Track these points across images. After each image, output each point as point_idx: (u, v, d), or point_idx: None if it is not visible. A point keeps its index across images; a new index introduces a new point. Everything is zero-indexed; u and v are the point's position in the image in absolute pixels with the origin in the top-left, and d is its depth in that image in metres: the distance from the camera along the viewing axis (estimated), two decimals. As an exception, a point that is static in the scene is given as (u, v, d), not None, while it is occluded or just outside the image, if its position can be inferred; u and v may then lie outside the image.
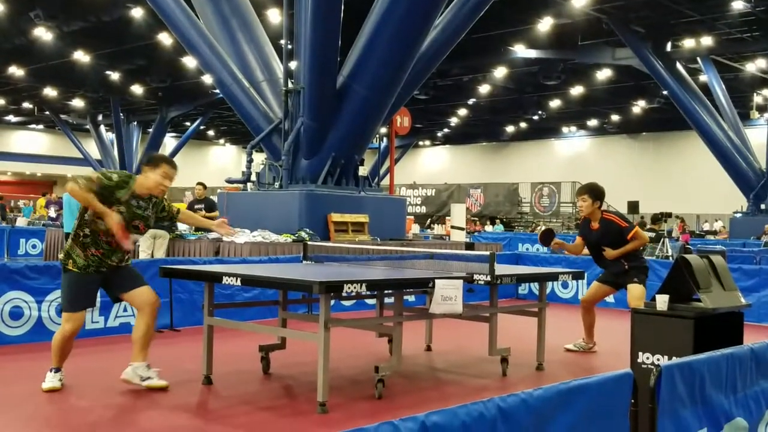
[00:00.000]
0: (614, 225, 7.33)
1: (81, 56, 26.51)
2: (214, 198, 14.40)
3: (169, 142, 42.49)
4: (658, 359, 4.26)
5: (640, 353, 4.42)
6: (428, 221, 31.23)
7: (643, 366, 4.32)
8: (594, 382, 2.56)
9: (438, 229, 24.03)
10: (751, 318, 6.85)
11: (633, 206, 32.31)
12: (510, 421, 2.22)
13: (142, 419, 4.84)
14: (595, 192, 7.38)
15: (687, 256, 4.74)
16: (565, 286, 11.97)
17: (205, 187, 14.01)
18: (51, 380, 5.34)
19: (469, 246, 13.62)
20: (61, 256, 5.44)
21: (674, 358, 3.43)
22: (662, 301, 4.51)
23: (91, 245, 5.34)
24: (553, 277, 7.22)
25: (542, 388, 2.37)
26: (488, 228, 29.66)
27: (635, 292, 7.13)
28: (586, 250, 7.67)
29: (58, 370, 5.40)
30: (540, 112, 36.82)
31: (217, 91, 22.15)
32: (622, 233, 7.23)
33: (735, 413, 3.12)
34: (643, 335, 4.47)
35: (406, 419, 1.95)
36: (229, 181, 15.91)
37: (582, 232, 7.67)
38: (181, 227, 12.26)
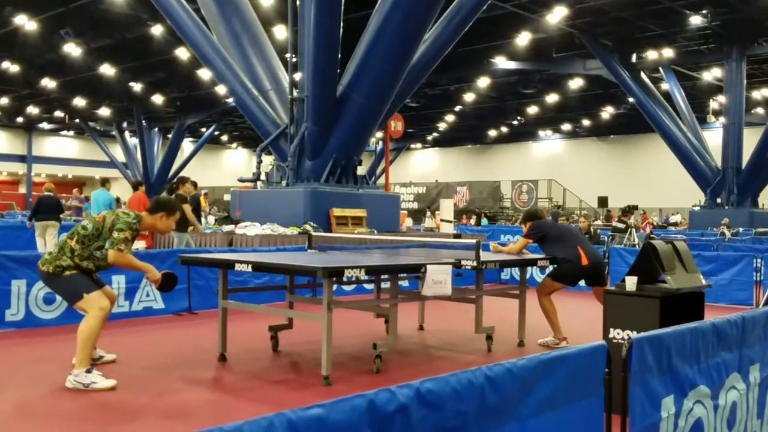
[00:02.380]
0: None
1: (107, 69, 26.38)
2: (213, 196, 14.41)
3: (187, 147, 42.34)
4: (627, 334, 4.23)
5: (612, 329, 4.39)
6: (427, 211, 30.90)
7: (614, 341, 4.29)
8: (572, 353, 2.53)
9: (428, 222, 23.98)
10: (710, 299, 6.83)
11: (602, 201, 32.35)
12: (496, 387, 2.18)
13: (164, 392, 4.80)
14: (525, 218, 7.45)
15: (653, 241, 4.71)
16: (542, 272, 11.92)
17: (195, 186, 13.38)
18: (103, 380, 4.77)
19: (457, 236, 13.60)
20: (50, 268, 4.91)
21: (642, 333, 3.41)
22: (631, 282, 4.48)
23: (88, 267, 5.04)
24: (532, 263, 7.20)
25: (525, 358, 2.33)
26: (473, 222, 29.62)
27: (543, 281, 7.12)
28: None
29: (90, 369, 4.82)
30: (519, 117, 36.81)
31: (230, 100, 22.09)
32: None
33: (699, 382, 3.09)
34: (613, 313, 4.45)
35: (402, 386, 1.91)
36: (241, 181, 15.88)
37: None
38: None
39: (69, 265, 4.94)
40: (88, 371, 4.77)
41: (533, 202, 36.84)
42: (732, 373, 3.36)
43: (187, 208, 10.98)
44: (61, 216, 13.77)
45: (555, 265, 6.93)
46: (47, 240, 13.17)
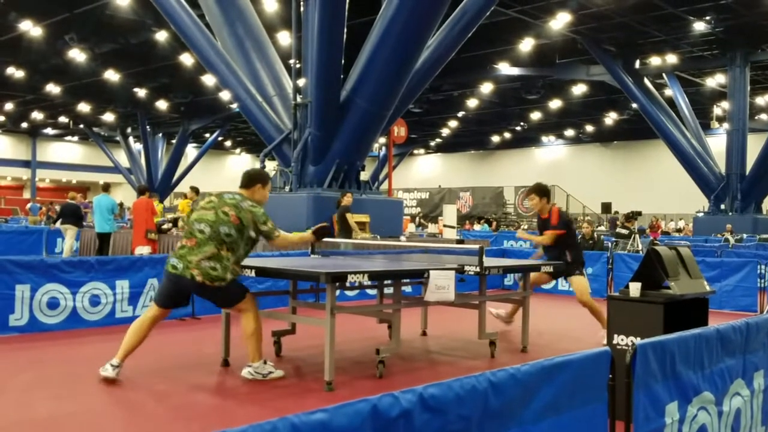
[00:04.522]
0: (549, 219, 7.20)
1: (111, 75, 26.48)
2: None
3: (191, 152, 42.44)
4: (631, 340, 4.22)
5: (615, 335, 4.38)
6: (417, 220, 30.87)
7: (618, 347, 4.28)
8: (575, 358, 2.53)
9: (431, 228, 23.97)
10: (714, 305, 6.81)
11: (606, 207, 32.31)
12: (500, 393, 2.18)
13: (168, 397, 4.80)
14: (538, 190, 7.29)
15: (657, 247, 4.70)
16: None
17: (197, 192, 14.06)
18: (277, 370, 5.30)
19: (460, 242, 13.59)
20: (222, 283, 5.06)
21: (646, 339, 3.40)
22: (635, 288, 4.47)
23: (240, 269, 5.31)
24: (536, 268, 7.18)
25: (528, 364, 2.33)
26: (476, 227, 29.58)
27: (578, 283, 7.15)
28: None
29: (266, 360, 5.33)
30: (522, 123, 36.84)
31: (234, 105, 22.16)
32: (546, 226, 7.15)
33: (702, 388, 3.08)
34: (617, 319, 4.43)
35: (406, 391, 1.91)
36: (244, 186, 15.88)
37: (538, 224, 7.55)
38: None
39: (233, 276, 5.14)
40: (264, 362, 5.26)
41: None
42: (736, 379, 3.35)
43: (350, 217, 11.42)
44: (82, 221, 15.15)
45: (566, 262, 6.97)
46: (66, 240, 14.58)
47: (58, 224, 15.11)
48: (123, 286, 7.78)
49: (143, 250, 11.58)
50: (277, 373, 5.32)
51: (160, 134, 38.82)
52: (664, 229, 28.44)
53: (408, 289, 9.38)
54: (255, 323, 5.22)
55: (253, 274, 5.29)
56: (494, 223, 30.33)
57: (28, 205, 33.23)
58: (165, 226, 12.90)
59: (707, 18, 20.79)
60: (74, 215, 14.74)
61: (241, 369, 5.60)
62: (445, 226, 19.51)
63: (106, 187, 15.06)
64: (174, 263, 5.10)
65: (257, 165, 16.29)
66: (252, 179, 5.44)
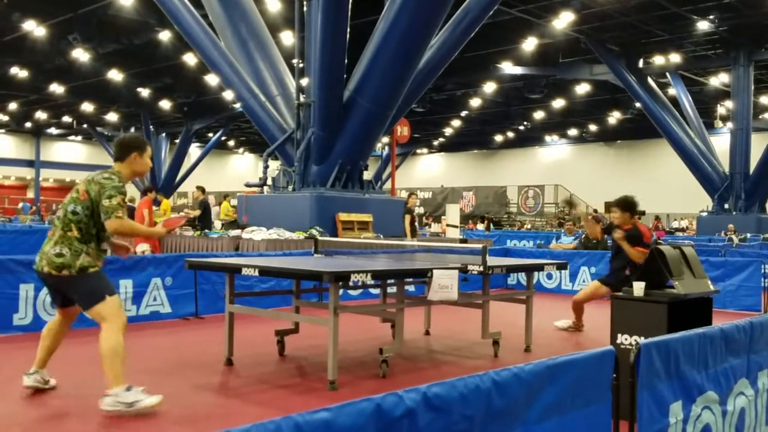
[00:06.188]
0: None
1: (115, 75, 26.52)
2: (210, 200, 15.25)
3: (194, 152, 42.48)
4: (635, 340, 4.22)
5: (619, 335, 4.37)
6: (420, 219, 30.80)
7: (621, 346, 4.27)
8: (579, 358, 2.52)
9: (435, 227, 23.96)
10: (718, 305, 6.79)
11: (609, 206, 32.28)
12: (503, 392, 2.18)
13: (171, 397, 4.80)
14: (624, 205, 7.25)
15: (661, 247, 4.69)
16: (549, 276, 11.92)
17: (203, 191, 14.61)
18: (147, 396, 4.29)
19: (463, 241, 13.58)
20: (72, 271, 4.30)
21: (650, 338, 3.39)
22: (639, 288, 4.46)
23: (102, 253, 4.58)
24: (539, 267, 7.17)
25: (532, 363, 2.33)
26: (480, 227, 29.58)
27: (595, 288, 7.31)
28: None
29: (130, 386, 4.30)
30: (525, 122, 36.80)
31: (237, 105, 22.16)
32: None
33: (707, 387, 3.07)
34: (621, 318, 4.43)
35: (410, 390, 1.91)
36: (247, 185, 15.91)
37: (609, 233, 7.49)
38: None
39: (88, 265, 4.34)
40: (128, 389, 4.22)
41: (540, 207, 36.80)
42: (740, 378, 3.34)
43: (407, 218, 11.78)
44: None
45: (625, 277, 6.89)
46: None
47: None
48: (127, 285, 7.78)
49: (142, 248, 11.68)
50: (148, 400, 4.22)
51: (164, 134, 38.88)
52: (665, 229, 28.36)
53: (411, 288, 9.38)
54: (115, 337, 4.23)
55: (256, 273, 5.28)
56: (486, 222, 30.28)
57: (20, 204, 33.38)
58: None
59: (711, 17, 20.75)
60: None
61: (246, 369, 5.61)
62: (448, 225, 19.48)
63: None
64: (36, 259, 4.45)
65: (260, 164, 16.30)
66: (126, 148, 4.54)
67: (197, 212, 13.83)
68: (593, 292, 7.55)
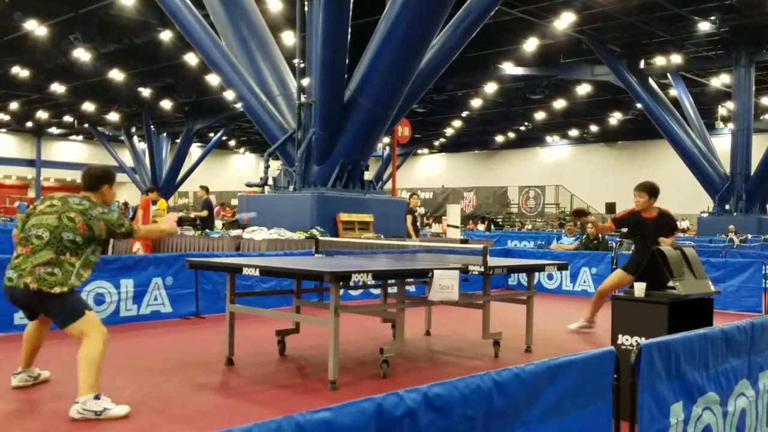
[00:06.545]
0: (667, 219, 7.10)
1: (116, 75, 26.52)
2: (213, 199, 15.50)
3: (195, 152, 42.49)
4: (636, 341, 4.22)
5: (620, 335, 4.37)
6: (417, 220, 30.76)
7: (622, 347, 4.27)
8: (580, 358, 2.52)
9: (435, 228, 23.96)
10: (718, 306, 6.79)
11: (610, 207, 32.29)
12: (504, 392, 2.18)
13: (172, 396, 4.81)
14: (651, 190, 7.20)
15: (662, 248, 4.69)
16: (550, 277, 11.92)
17: (207, 190, 14.78)
18: (115, 406, 4.29)
19: (464, 242, 13.58)
20: (63, 289, 4.34)
21: (651, 339, 3.40)
22: (640, 289, 4.46)
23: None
24: (540, 268, 7.17)
25: (533, 364, 2.33)
26: (481, 227, 29.58)
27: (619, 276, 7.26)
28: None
29: (99, 395, 4.29)
30: (526, 123, 36.78)
31: (238, 105, 22.17)
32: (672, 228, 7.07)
33: (707, 388, 3.08)
34: (622, 319, 4.43)
35: (410, 390, 1.91)
36: (248, 185, 15.91)
37: (630, 221, 7.37)
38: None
39: (78, 283, 4.47)
40: (97, 397, 4.25)
41: (540, 208, 36.81)
42: (741, 379, 3.34)
43: (409, 218, 11.89)
44: None
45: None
46: None
47: None
48: (127, 285, 7.79)
49: (136, 247, 11.81)
50: (116, 410, 4.24)
51: (165, 134, 38.89)
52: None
53: (412, 288, 9.38)
54: (98, 347, 4.32)
55: (257, 273, 5.28)
56: (487, 222, 30.28)
57: (16, 204, 33.38)
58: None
59: (712, 18, 20.74)
60: None
61: (247, 368, 5.61)
62: (449, 225, 19.48)
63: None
64: (9, 275, 4.42)
65: (261, 164, 16.31)
66: (97, 180, 4.71)
67: (203, 213, 13.78)
68: (619, 281, 7.44)
